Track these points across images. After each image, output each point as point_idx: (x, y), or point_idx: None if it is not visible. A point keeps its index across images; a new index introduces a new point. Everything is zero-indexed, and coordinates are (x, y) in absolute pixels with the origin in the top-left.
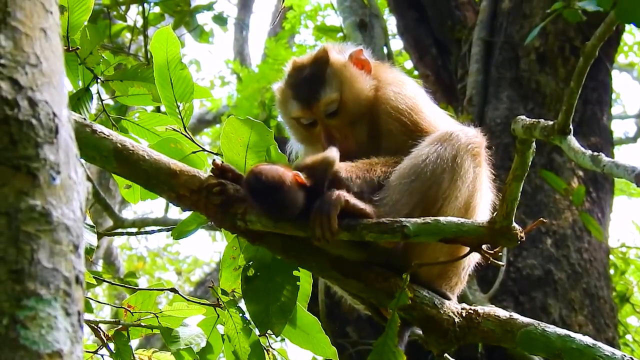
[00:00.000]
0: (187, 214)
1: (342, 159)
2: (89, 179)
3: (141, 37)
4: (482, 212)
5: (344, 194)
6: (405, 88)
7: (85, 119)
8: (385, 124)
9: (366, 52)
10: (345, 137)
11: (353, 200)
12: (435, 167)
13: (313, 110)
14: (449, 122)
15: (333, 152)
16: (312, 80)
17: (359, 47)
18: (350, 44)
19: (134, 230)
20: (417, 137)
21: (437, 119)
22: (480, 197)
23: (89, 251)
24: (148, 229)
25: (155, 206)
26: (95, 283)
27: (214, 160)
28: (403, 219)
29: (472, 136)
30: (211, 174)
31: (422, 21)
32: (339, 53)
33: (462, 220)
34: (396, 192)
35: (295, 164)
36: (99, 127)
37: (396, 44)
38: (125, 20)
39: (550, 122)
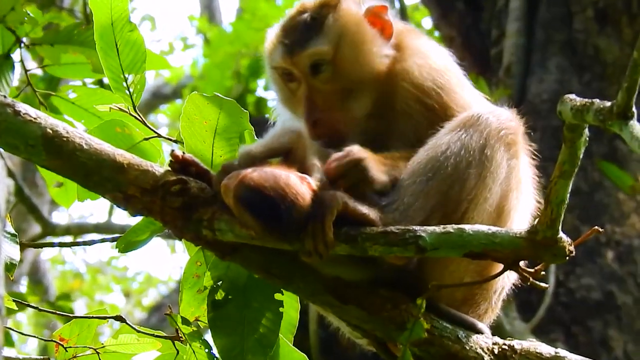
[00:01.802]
0: (138, 219)
1: (322, 138)
2: (9, 173)
3: None
4: (521, 218)
5: (341, 195)
6: (433, 60)
7: (5, 97)
8: (402, 103)
9: (391, 13)
10: (330, 107)
11: (353, 202)
12: (458, 160)
13: (294, 59)
14: (485, 106)
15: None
16: (306, 25)
17: (383, 3)
18: None
19: (69, 239)
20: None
21: (473, 103)
22: (517, 198)
23: (10, 267)
24: (86, 238)
25: (95, 207)
26: (17, 308)
27: (172, 150)
28: (417, 228)
29: (506, 120)
30: (169, 169)
31: None
32: (355, 3)
33: (494, 229)
34: (409, 194)
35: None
36: (23, 107)
37: None
38: None
39: (608, 104)
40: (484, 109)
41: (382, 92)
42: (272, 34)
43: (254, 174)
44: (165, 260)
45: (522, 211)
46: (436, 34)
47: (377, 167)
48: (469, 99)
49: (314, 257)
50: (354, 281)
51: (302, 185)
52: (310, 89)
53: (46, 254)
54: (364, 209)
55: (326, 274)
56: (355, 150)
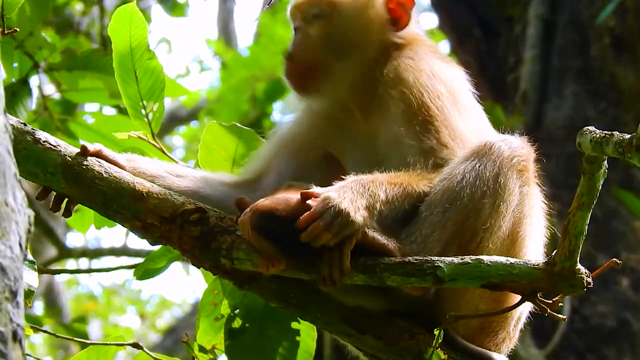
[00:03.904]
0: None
1: (294, 76)
2: (30, 204)
3: (95, 9)
4: (533, 245)
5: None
6: (430, 66)
7: (24, 124)
8: (384, 95)
9: (417, 10)
10: (312, 51)
11: (372, 232)
12: (473, 190)
13: (299, 6)
14: (488, 133)
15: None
16: None
17: None
18: None
19: (85, 262)
20: (426, 137)
21: (466, 126)
22: (530, 225)
23: (28, 294)
24: (102, 261)
25: (111, 229)
26: (32, 333)
27: None
28: (435, 258)
29: (518, 147)
30: (192, 202)
31: None
32: None
33: (512, 260)
34: (426, 226)
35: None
36: (43, 135)
37: (428, 20)
38: None
39: (627, 136)
40: (496, 138)
41: (371, 72)
42: None
43: (265, 201)
44: (180, 282)
45: (535, 238)
46: None
47: (353, 207)
48: (463, 120)
49: (327, 284)
50: (371, 311)
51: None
52: (303, 33)
53: (61, 276)
54: (382, 239)
55: (344, 304)
56: (330, 198)
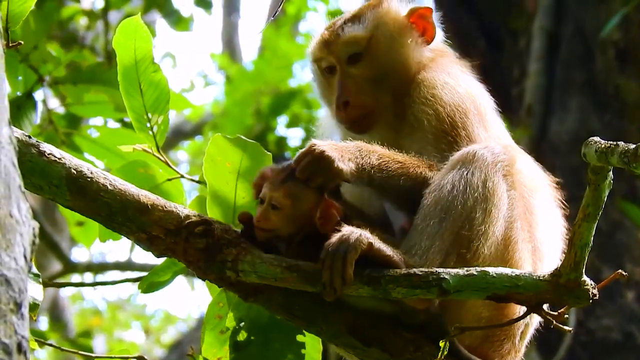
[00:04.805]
0: (161, 259)
1: (354, 121)
2: (34, 215)
3: (100, 24)
4: (528, 248)
5: (367, 235)
6: (460, 83)
7: (29, 137)
8: (417, 112)
9: (436, 16)
10: (361, 92)
11: (378, 243)
12: (465, 198)
13: (331, 48)
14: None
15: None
16: (347, 20)
17: (430, 6)
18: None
19: (90, 277)
20: (449, 148)
21: (487, 137)
22: (521, 227)
23: (33, 307)
24: (107, 275)
25: (116, 244)
26: (37, 346)
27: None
28: (440, 270)
29: (499, 153)
30: (197, 214)
31: (468, 5)
32: (400, 2)
33: (517, 272)
34: (425, 238)
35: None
36: (48, 148)
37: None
38: (79, 1)
39: (632, 146)
40: (478, 145)
41: (403, 90)
42: (316, 35)
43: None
44: (185, 298)
45: (532, 241)
46: None
47: (340, 157)
48: (485, 132)
49: (328, 292)
50: (377, 322)
51: None
52: (343, 74)
53: (66, 291)
54: (388, 251)
55: (349, 317)
56: (316, 144)
